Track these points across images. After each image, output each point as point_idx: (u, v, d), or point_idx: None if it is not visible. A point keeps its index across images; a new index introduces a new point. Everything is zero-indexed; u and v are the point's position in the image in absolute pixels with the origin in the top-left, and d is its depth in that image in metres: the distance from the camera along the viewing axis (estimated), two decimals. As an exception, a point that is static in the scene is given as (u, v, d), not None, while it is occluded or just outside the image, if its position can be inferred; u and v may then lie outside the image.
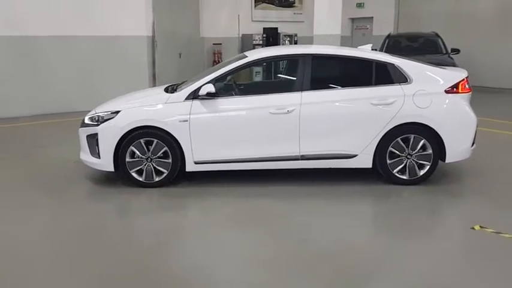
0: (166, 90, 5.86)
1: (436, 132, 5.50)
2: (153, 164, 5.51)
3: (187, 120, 5.40)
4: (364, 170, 5.70)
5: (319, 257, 3.92)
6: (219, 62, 13.69)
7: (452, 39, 13.46)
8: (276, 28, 16.16)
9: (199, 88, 5.45)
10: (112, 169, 5.52)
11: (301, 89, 5.52)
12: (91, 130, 5.57)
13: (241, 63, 5.60)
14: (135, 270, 3.74)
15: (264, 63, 6.09)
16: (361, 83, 5.66)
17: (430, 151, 5.55)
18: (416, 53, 11.93)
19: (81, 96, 10.24)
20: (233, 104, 5.54)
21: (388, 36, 13.05)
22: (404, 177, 5.62)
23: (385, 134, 5.49)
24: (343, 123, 5.50)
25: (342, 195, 5.42)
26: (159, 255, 4.02)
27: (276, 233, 4.44)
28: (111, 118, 5.49)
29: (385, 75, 5.60)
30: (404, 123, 5.50)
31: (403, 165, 5.58)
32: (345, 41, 17.40)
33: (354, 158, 5.56)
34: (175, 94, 5.58)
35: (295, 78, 5.62)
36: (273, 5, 16.52)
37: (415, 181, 5.62)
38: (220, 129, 5.48)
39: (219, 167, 5.59)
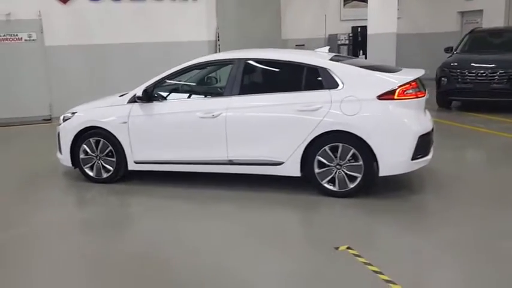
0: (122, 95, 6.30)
1: (367, 142, 5.05)
2: (101, 161, 6.04)
3: (126, 122, 5.81)
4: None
5: (136, 259, 4.04)
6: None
7: None
8: (365, 26, 15.51)
9: (138, 92, 5.81)
10: (70, 164, 6.19)
11: (231, 93, 5.53)
12: (58, 128, 6.32)
13: (176, 70, 5.82)
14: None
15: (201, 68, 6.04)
16: (290, 88, 5.43)
17: (360, 162, 5.11)
18: (497, 51, 10.61)
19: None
20: (167, 107, 5.76)
21: (471, 32, 11.67)
22: (334, 188, 5.26)
23: (311, 142, 5.21)
24: (268, 129, 5.37)
25: (259, 203, 5.30)
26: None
27: (135, 235, 4.69)
28: (69, 118, 6.17)
29: (316, 80, 5.31)
30: (331, 131, 5.15)
31: (331, 175, 5.23)
32: (453, 37, 15.97)
33: (281, 166, 5.38)
34: (121, 98, 6.03)
35: (226, 83, 5.63)
36: (365, 2, 15.84)
37: (345, 193, 5.23)
38: (154, 132, 5.77)
39: (155, 167, 5.89)
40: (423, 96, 5.20)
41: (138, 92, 5.73)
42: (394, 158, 5.06)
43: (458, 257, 3.90)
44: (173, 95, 5.95)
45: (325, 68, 5.28)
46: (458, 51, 11.14)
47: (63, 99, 11.13)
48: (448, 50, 11.39)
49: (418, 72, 5.32)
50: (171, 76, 5.86)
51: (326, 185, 5.28)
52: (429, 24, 16.45)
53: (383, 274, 3.59)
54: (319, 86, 5.27)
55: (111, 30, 11.34)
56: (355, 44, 15.28)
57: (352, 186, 5.19)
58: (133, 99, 5.84)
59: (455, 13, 16.57)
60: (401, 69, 5.51)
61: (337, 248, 4.07)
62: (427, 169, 5.88)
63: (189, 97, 6.02)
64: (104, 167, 6.04)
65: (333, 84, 5.20)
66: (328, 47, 6.24)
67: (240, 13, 12.96)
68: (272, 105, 5.37)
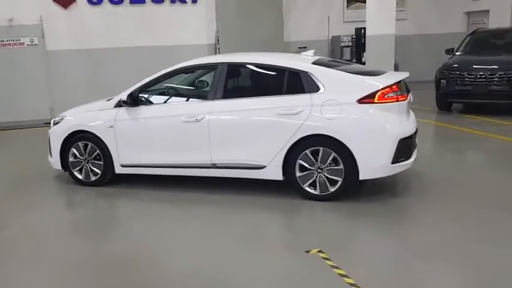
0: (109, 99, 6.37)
1: (347, 146, 5.05)
2: (90, 165, 6.12)
3: (113, 126, 5.88)
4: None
5: (113, 260, 4.11)
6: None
7: None
8: (368, 28, 15.46)
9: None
10: (60, 167, 6.28)
11: (214, 97, 5.57)
12: (49, 133, 6.42)
13: (160, 74, 5.88)
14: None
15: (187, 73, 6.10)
16: (272, 91, 5.46)
17: (341, 166, 5.11)
18: (499, 52, 10.47)
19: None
20: (152, 111, 5.82)
21: (472, 33, 11.57)
22: (315, 192, 5.27)
23: (293, 145, 5.23)
24: (250, 133, 5.40)
25: (242, 206, 5.33)
26: None
27: (122, 237, 4.77)
28: (59, 122, 6.27)
29: (298, 84, 5.32)
30: (312, 135, 5.17)
31: (312, 179, 5.24)
32: (459, 38, 15.78)
33: (263, 170, 5.41)
34: (108, 102, 6.11)
35: (210, 87, 5.69)
36: (368, 4, 15.78)
37: (326, 197, 5.23)
38: (139, 136, 5.83)
39: (141, 170, 5.95)
40: (404, 99, 5.18)
41: (123, 96, 5.80)
42: (374, 162, 5.05)
43: (429, 260, 3.87)
44: (158, 99, 6.00)
45: (306, 72, 5.29)
46: (459, 52, 11.03)
47: (64, 103, 11.25)
48: (449, 51, 11.29)
49: (400, 76, 5.32)
50: (156, 80, 5.92)
51: (307, 189, 5.29)
52: (435, 25, 16.31)
53: (348, 277, 3.60)
54: (300, 89, 5.28)
55: (112, 34, 11.53)
56: (358, 46, 15.21)
57: (333, 189, 5.20)
58: (119, 104, 5.91)
59: (462, 13, 16.44)
60: (385, 73, 5.50)
61: (308, 252, 4.09)
62: (415, 172, 5.89)
63: (173, 101, 6.06)
64: (92, 170, 6.12)
65: (314, 88, 5.21)
66: (313, 50, 6.25)
67: (241, 16, 13.00)
68: (254, 109, 5.40)
